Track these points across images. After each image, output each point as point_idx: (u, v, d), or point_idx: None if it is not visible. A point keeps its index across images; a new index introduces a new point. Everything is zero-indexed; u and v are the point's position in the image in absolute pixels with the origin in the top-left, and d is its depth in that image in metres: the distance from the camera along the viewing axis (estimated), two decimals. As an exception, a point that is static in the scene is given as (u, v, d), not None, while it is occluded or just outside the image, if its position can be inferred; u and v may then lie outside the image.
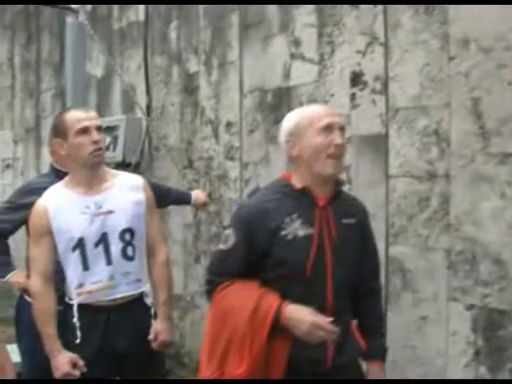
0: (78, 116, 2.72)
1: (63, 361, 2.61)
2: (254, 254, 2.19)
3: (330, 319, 2.08)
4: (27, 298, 3.43)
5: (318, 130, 2.18)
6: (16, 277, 3.48)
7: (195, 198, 4.03)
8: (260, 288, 2.18)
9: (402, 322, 3.15)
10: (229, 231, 2.26)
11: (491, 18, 2.76)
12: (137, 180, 2.88)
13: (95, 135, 2.68)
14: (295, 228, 2.16)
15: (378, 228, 2.81)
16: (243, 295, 2.18)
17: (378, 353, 2.41)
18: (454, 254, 2.93)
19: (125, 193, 2.77)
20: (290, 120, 2.28)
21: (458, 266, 2.92)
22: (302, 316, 2.08)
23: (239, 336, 2.13)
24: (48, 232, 2.67)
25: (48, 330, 2.66)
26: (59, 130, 2.75)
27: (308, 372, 2.20)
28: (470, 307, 2.88)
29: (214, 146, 4.49)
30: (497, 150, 2.77)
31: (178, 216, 4.74)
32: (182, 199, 4.02)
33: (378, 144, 3.26)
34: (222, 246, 2.27)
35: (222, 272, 2.27)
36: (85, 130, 2.67)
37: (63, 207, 2.69)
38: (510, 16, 2.71)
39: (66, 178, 2.80)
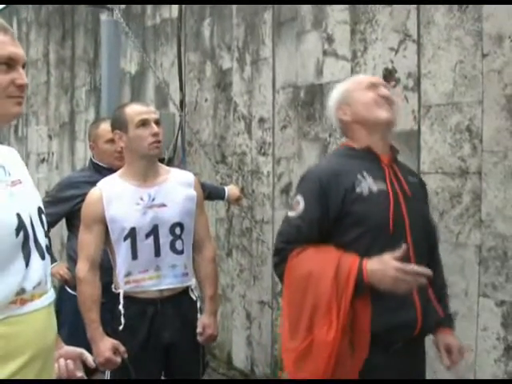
0: (137, 109, 2.78)
1: (105, 346, 2.63)
2: (328, 215, 2.13)
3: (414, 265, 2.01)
4: (68, 289, 3.53)
5: (364, 89, 2.26)
6: (57, 268, 3.58)
7: (229, 193, 4.05)
8: (337, 250, 2.11)
9: (433, 317, 3.17)
10: (297, 197, 2.20)
11: (525, 16, 2.77)
12: (189, 177, 2.93)
13: (154, 128, 2.74)
14: (369, 184, 2.15)
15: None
16: (320, 259, 2.11)
17: (450, 321, 2.39)
18: (485, 250, 2.95)
19: (177, 188, 2.82)
20: (335, 93, 2.35)
21: (489, 262, 2.94)
22: (384, 264, 1.99)
23: (324, 301, 2.05)
24: (101, 220, 2.72)
25: (91, 315, 2.68)
26: (119, 123, 2.80)
27: (399, 338, 2.13)
28: (501, 303, 2.90)
29: (246, 142, 4.55)
30: (529, 147, 2.78)
31: (211, 210, 4.78)
32: (216, 194, 4.04)
33: (410, 140, 3.27)
34: (291, 214, 2.21)
35: (293, 239, 2.18)
36: (144, 123, 2.73)
37: (118, 197, 2.74)
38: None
39: (122, 170, 2.85)
